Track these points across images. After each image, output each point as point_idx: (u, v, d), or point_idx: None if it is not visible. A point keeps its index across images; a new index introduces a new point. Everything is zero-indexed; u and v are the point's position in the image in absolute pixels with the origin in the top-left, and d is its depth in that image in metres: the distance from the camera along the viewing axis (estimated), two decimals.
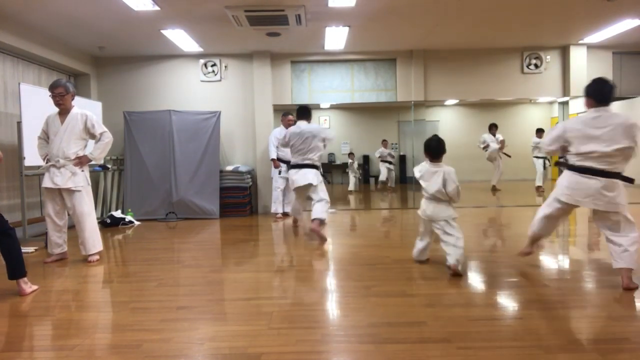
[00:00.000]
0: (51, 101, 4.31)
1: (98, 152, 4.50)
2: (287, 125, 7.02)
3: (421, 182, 3.82)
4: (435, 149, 3.78)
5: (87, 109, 6.81)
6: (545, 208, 3.58)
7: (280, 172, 7.19)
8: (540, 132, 9.64)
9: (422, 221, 3.90)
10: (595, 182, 3.18)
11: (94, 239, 4.44)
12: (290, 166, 5.54)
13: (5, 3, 5.15)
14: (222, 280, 3.80)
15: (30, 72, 6.41)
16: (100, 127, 4.47)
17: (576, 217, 7.07)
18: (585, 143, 3.20)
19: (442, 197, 3.75)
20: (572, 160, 3.31)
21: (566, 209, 3.50)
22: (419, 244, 4.03)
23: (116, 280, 3.87)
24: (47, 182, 4.31)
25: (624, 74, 8.29)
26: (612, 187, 3.16)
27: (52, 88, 4.29)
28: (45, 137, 4.44)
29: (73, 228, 4.49)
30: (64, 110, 4.36)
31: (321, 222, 5.12)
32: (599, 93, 3.26)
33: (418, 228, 4.07)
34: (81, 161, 4.38)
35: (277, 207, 7.23)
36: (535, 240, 3.84)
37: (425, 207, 3.81)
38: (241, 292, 3.42)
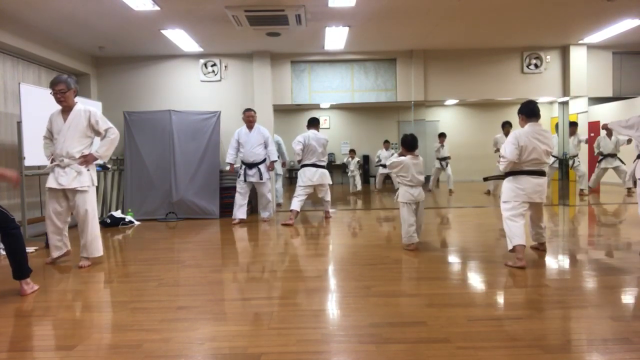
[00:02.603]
0: (52, 100, 4.14)
1: (104, 149, 4.28)
2: (248, 120, 6.70)
3: (401, 172, 4.61)
4: (412, 142, 4.65)
5: None
6: (518, 217, 4.02)
7: (240, 176, 6.68)
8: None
9: (408, 205, 4.61)
10: (541, 181, 4.02)
11: (97, 243, 4.29)
12: (306, 165, 6.57)
13: (5, 3, 5.15)
14: (222, 280, 3.80)
15: (30, 72, 6.41)
16: (105, 123, 4.27)
17: (576, 217, 7.07)
18: (531, 151, 3.94)
19: (421, 182, 4.66)
20: (519, 166, 4.00)
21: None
22: (412, 226, 4.59)
23: (116, 280, 3.87)
24: (51, 183, 4.14)
25: (624, 74, 8.29)
26: (545, 184, 4.11)
27: (53, 85, 4.11)
28: (50, 136, 4.29)
29: (74, 227, 4.47)
30: (66, 108, 4.18)
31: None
32: (528, 110, 4.07)
33: (404, 214, 4.61)
34: (87, 160, 4.20)
35: (235, 213, 6.69)
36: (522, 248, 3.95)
37: (413, 192, 4.61)
38: (241, 292, 3.42)
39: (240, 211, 6.71)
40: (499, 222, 6.60)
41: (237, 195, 6.73)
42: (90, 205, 4.23)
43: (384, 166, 11.74)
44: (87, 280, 3.85)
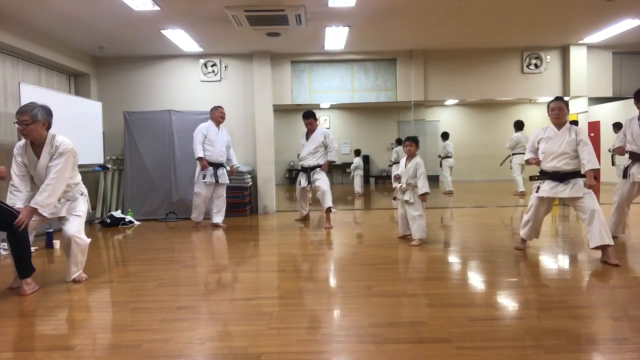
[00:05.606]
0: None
1: (44, 196, 3.38)
2: (221, 117, 6.35)
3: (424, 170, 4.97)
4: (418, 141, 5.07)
5: (87, 109, 6.86)
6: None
7: (204, 177, 6.16)
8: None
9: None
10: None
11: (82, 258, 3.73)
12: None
13: (5, 3, 5.15)
14: (222, 280, 3.80)
15: (30, 72, 6.41)
16: (58, 162, 3.42)
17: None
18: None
19: None
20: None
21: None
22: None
23: (116, 280, 3.87)
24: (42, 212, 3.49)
25: (624, 74, 8.28)
26: None
27: (18, 113, 3.43)
28: (24, 172, 3.56)
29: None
30: (36, 141, 3.51)
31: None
32: None
33: (423, 208, 4.94)
34: (23, 215, 3.31)
35: (199, 215, 6.35)
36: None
37: None
38: (241, 292, 3.42)
39: (201, 214, 6.39)
40: (498, 222, 6.63)
41: (201, 198, 6.25)
42: (82, 231, 3.71)
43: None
44: (87, 280, 3.85)
